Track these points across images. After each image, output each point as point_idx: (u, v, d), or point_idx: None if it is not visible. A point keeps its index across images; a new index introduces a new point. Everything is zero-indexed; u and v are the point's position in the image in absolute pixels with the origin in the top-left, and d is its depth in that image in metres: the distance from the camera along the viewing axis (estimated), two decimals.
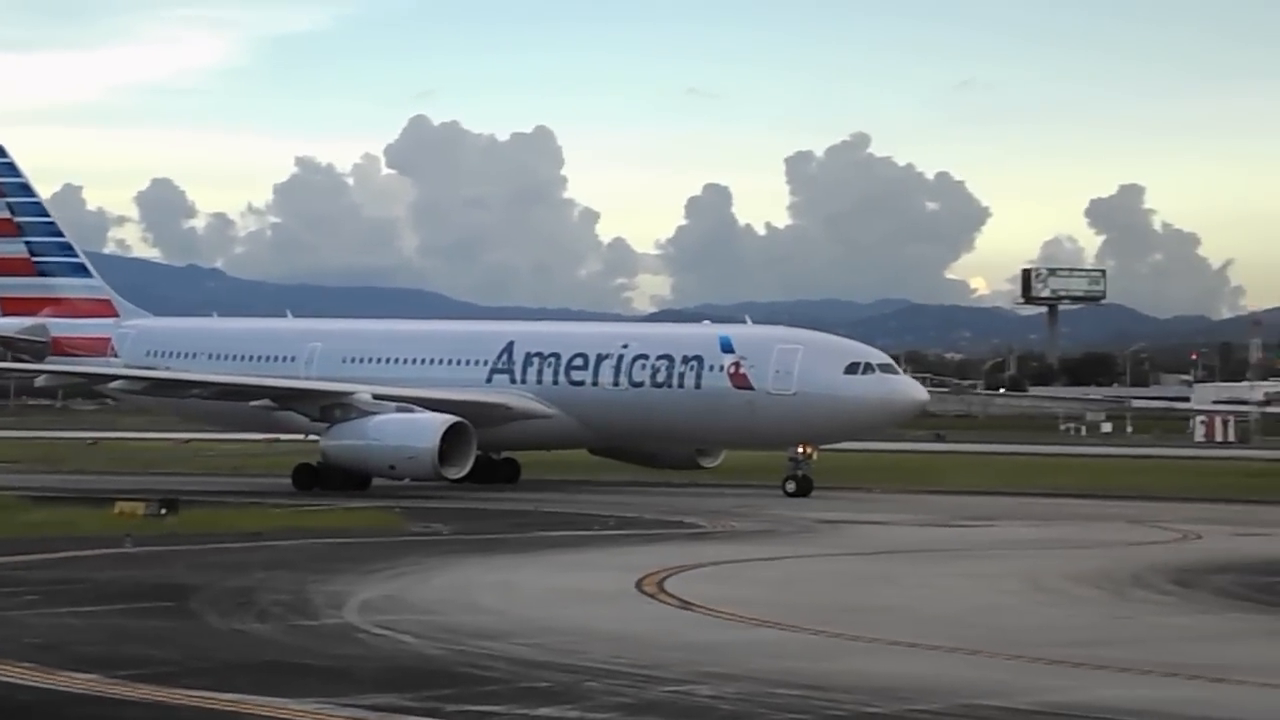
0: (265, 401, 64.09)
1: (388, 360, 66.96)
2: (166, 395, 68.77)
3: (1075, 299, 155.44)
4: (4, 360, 79.97)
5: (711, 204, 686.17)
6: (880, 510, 53.37)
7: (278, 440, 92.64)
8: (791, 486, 58.91)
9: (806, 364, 59.13)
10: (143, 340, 72.67)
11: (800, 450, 59.35)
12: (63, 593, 30.56)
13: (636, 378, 61.95)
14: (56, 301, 75.22)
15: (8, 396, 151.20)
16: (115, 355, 72.03)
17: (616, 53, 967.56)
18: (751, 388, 59.57)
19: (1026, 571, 35.97)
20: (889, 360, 61.59)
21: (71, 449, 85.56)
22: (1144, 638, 27.07)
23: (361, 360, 67.27)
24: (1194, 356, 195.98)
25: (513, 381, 63.96)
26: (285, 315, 77.93)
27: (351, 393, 61.60)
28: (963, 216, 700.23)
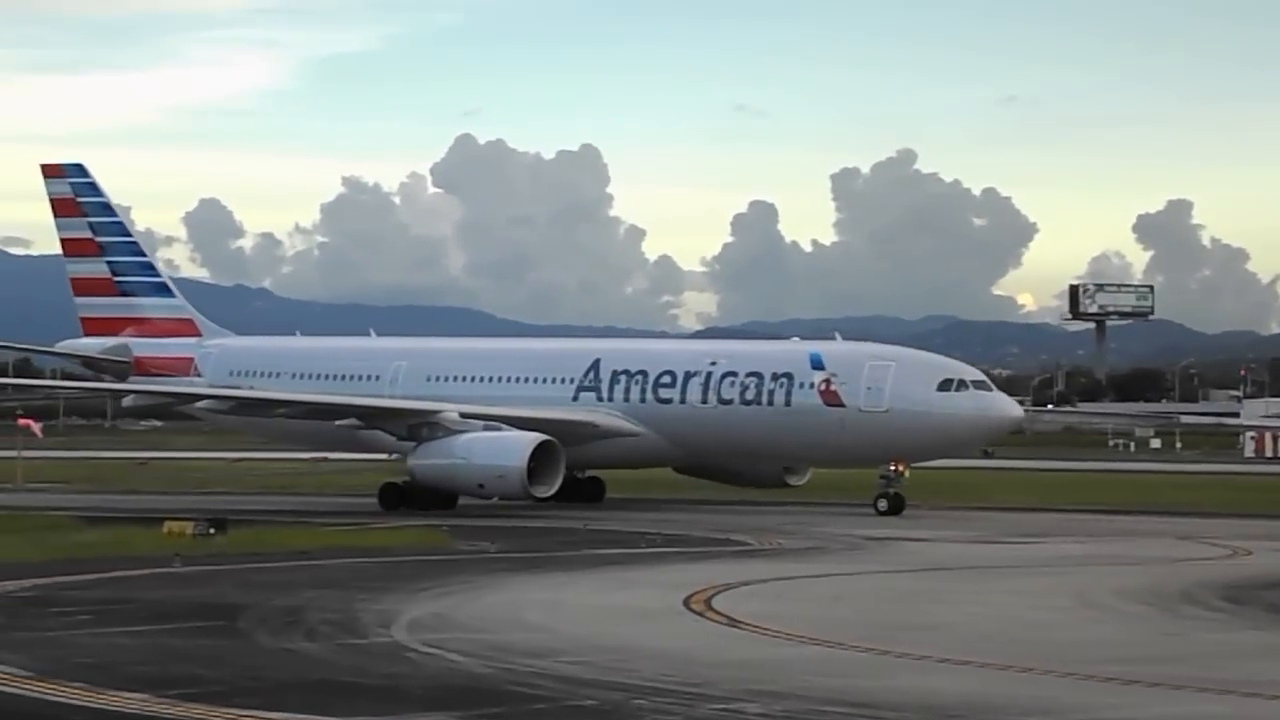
0: (351, 420, 63.83)
1: (473, 379, 66.64)
2: (252, 415, 68.70)
3: (1123, 315, 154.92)
4: (88, 380, 80.00)
5: (757, 221, 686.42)
6: (929, 527, 53.23)
7: (325, 459, 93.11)
8: (883, 505, 58.30)
9: (899, 380, 58.51)
10: (226, 360, 72.55)
11: (892, 468, 58.70)
12: (113, 612, 30.70)
13: (726, 395, 61.41)
14: (139, 321, 75.19)
15: (56, 416, 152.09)
16: (198, 375, 72.02)
17: (663, 71, 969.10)
18: (843, 405, 58.89)
19: (1076, 588, 35.84)
20: (983, 377, 60.78)
21: (121, 469, 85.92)
22: (1195, 654, 26.93)
23: (446, 379, 66.91)
24: (1243, 372, 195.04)
25: (599, 399, 63.57)
26: (369, 334, 77.76)
27: (438, 411, 61.43)
28: (1010, 232, 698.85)
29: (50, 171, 76.52)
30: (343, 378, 69.52)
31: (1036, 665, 24.97)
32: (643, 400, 62.87)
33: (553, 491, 58.77)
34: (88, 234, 75.43)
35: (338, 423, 64.26)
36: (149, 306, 75.39)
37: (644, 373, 63.21)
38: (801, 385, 59.96)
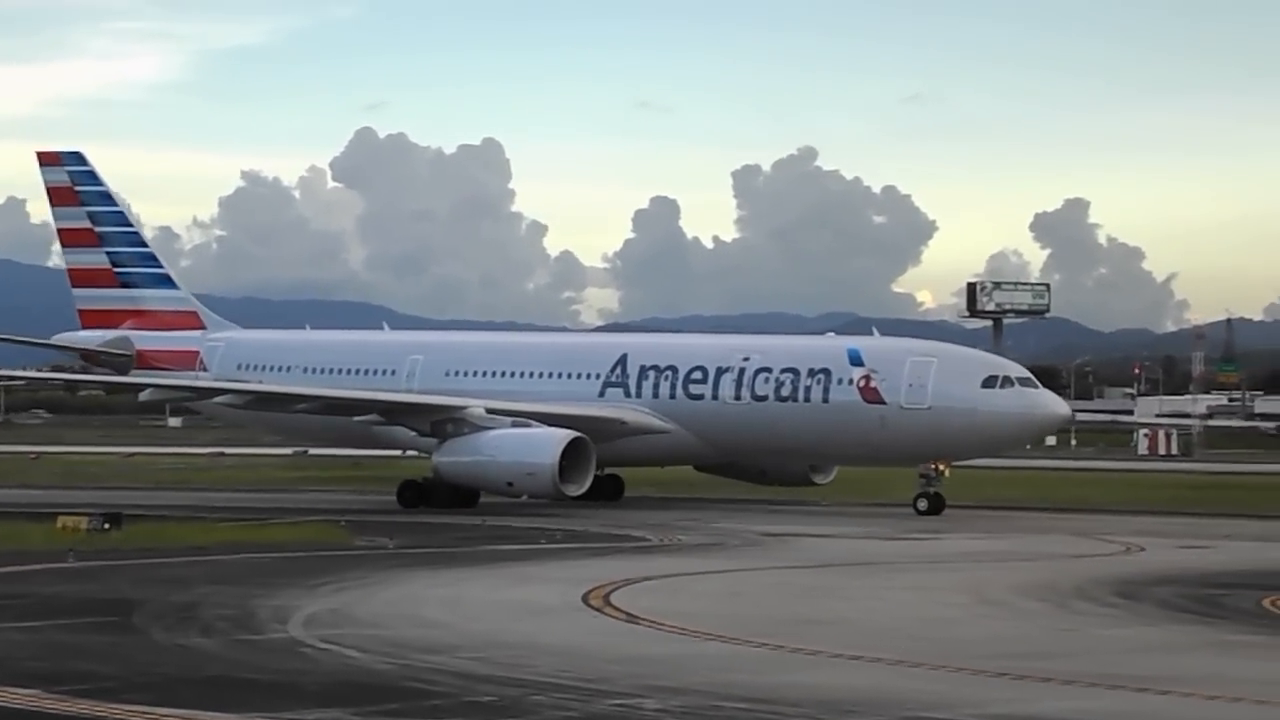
0: (372, 416, 62.08)
1: (494, 374, 64.85)
2: (270, 410, 65.70)
3: (1020, 312, 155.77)
4: (88, 373, 76.95)
5: (659, 217, 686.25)
6: (827, 523, 53.45)
7: (223, 454, 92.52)
8: (923, 505, 56.82)
9: (941, 377, 56.95)
10: (233, 353, 70.31)
11: (933, 467, 57.27)
12: (5, 608, 30.31)
13: (760, 391, 59.67)
14: (139, 313, 72.74)
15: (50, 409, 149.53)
16: (204, 369, 69.83)
17: (567, 66, 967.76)
18: (883, 402, 57.28)
19: (972, 584, 36.11)
20: (1028, 374, 58.97)
21: (14, 463, 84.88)
22: (1088, 650, 27.19)
23: (466, 374, 65.06)
24: (1137, 370, 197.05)
25: (627, 395, 61.86)
26: (382, 327, 76.17)
27: (464, 407, 59.71)
28: (909, 230, 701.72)
29: (47, 159, 74.31)
30: (357, 372, 67.28)
31: (932, 660, 25.14)
32: (672, 396, 61.23)
33: (583, 490, 57.37)
34: (86, 223, 73.14)
35: (357, 418, 62.20)
36: (151, 298, 72.98)
37: (673, 368, 61.56)
38: (840, 381, 58.27)
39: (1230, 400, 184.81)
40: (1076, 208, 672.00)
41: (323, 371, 67.87)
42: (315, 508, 57.36)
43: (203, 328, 72.56)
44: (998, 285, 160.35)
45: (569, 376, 63.68)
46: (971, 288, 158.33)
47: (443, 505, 58.17)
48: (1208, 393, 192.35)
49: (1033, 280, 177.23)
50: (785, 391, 59.25)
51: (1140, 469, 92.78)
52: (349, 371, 67.52)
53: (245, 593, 32.48)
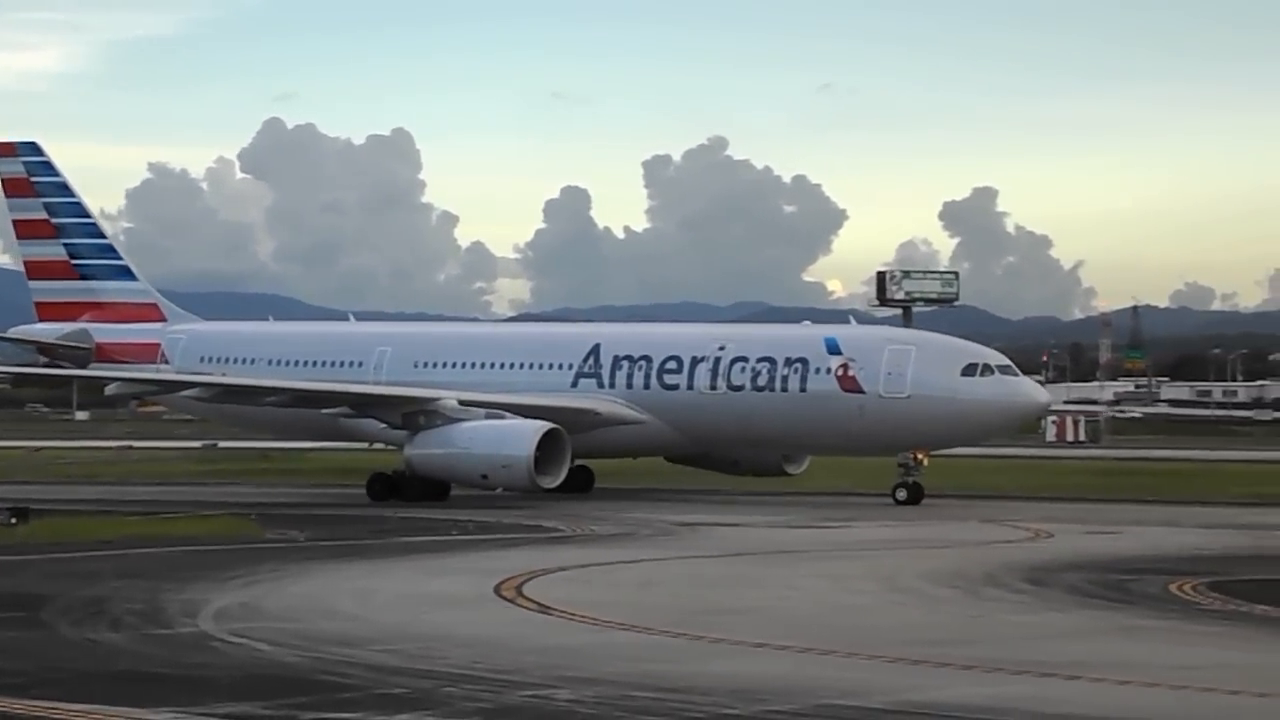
0: (341, 409, 61.17)
1: (464, 364, 64.01)
2: (239, 403, 64.40)
3: (929, 301, 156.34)
4: (42, 367, 75.17)
5: (570, 207, 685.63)
6: (739, 512, 53.54)
7: (131, 447, 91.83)
8: (902, 494, 56.50)
9: (920, 365, 56.50)
10: (195, 345, 69.10)
11: (912, 456, 56.96)
12: None
13: (736, 381, 59.07)
14: (98, 306, 71.54)
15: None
16: (166, 362, 68.59)
17: (480, 56, 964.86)
18: (861, 390, 56.79)
19: (883, 572, 36.30)
20: (1007, 361, 58.61)
21: None
22: (998, 636, 27.39)
23: (436, 365, 64.21)
24: (1045, 357, 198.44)
25: (600, 386, 61.15)
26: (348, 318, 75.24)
27: (436, 399, 58.98)
28: (820, 219, 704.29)
29: (1, 150, 73.02)
30: (323, 364, 66.32)
31: (844, 648, 25.26)
32: (646, 387, 60.55)
33: (558, 482, 56.83)
34: (43, 215, 71.98)
35: (325, 411, 61.30)
36: (110, 290, 71.78)
37: (647, 358, 60.91)
38: (817, 370, 57.75)
39: (1137, 387, 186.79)
40: (984, 196, 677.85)
41: (288, 364, 66.88)
42: (250, 501, 56.80)
43: (163, 320, 71.57)
44: (907, 274, 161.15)
45: (541, 367, 63.05)
46: (881, 276, 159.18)
47: (414, 498, 57.56)
48: (1115, 379, 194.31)
49: (942, 269, 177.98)
50: (762, 381, 58.75)
51: (1048, 455, 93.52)
52: (315, 363, 66.65)
53: (155, 587, 32.24)
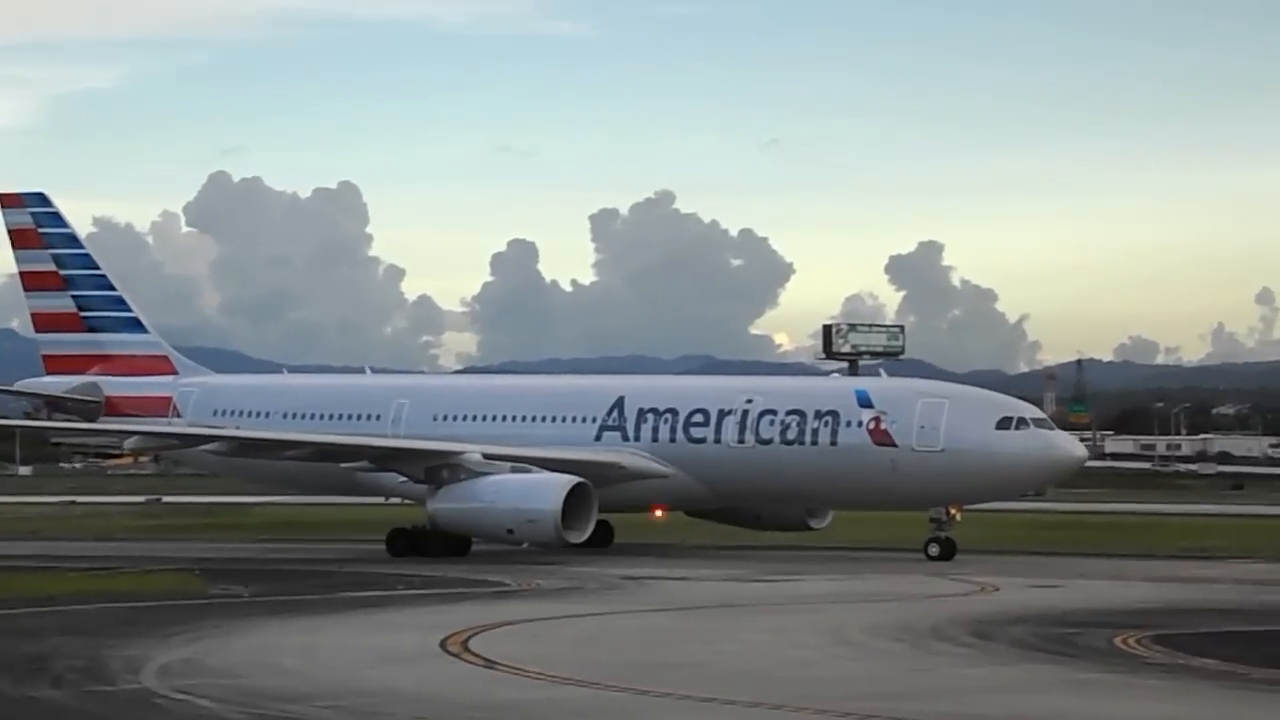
0: (361, 463, 60.36)
1: (484, 418, 63.04)
2: (257, 457, 62.92)
3: (875, 354, 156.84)
4: (51, 420, 73.23)
5: (517, 260, 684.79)
6: (685, 565, 53.47)
7: (74, 502, 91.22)
8: (935, 550, 55.60)
9: (954, 419, 55.69)
10: (208, 399, 68.14)
11: (945, 511, 56.14)
12: None
13: (764, 434, 58.17)
14: (107, 359, 70.77)
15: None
16: (178, 415, 67.55)
17: (427, 109, 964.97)
18: (894, 444, 55.92)
19: (829, 625, 36.30)
20: (1043, 415, 58.41)
21: None
22: (944, 689, 27.41)
23: (456, 418, 63.22)
24: None
25: (625, 439, 60.32)
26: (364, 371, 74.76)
27: (460, 452, 58.12)
28: (767, 273, 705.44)
29: (8, 201, 72.26)
30: (339, 417, 65.26)
31: (790, 702, 25.23)
32: (672, 440, 59.67)
33: (585, 537, 55.94)
34: (51, 266, 71.20)
35: (345, 465, 60.47)
36: (120, 343, 70.88)
37: (673, 410, 59.98)
38: (849, 424, 56.80)
39: (1081, 440, 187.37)
40: (930, 250, 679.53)
41: (304, 416, 65.89)
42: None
43: (175, 372, 70.66)
44: (853, 327, 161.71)
45: (564, 420, 62.09)
46: (828, 329, 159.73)
47: (435, 554, 56.79)
48: None
49: (888, 322, 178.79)
50: (791, 434, 57.86)
51: (993, 509, 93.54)
52: (331, 416, 65.58)
53: (97, 643, 32.00)
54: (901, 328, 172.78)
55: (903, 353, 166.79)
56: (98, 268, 72.29)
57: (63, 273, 71.41)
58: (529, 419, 62.75)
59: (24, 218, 71.85)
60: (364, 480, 61.44)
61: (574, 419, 61.82)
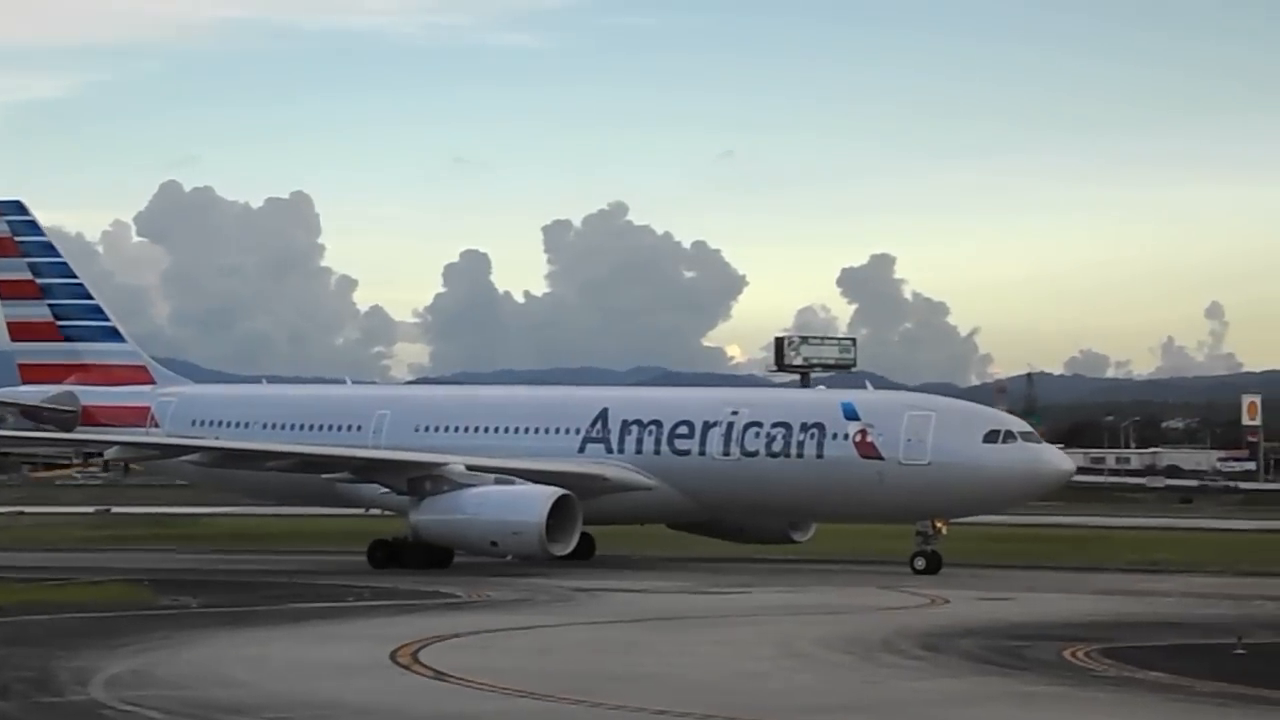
0: (343, 474, 59.75)
1: (466, 429, 62.53)
2: (238, 468, 62.10)
3: (827, 367, 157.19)
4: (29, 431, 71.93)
5: (469, 271, 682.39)
6: (638, 578, 53.44)
7: (23, 513, 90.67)
8: (920, 564, 55.37)
9: (941, 432, 55.53)
10: (187, 409, 67.45)
11: (931, 525, 55.89)
12: None
13: (750, 446, 57.83)
14: (84, 368, 70.02)
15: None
16: (155, 425, 66.80)
17: (380, 119, 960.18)
18: (880, 457, 55.76)
19: (779, 637, 36.35)
20: (1029, 428, 58.12)
21: None
22: (893, 701, 27.50)
23: (437, 429, 62.76)
24: None
25: (609, 451, 59.91)
26: (344, 381, 73.65)
27: (443, 464, 57.79)
28: (719, 284, 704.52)
29: None
30: (320, 428, 64.58)
31: (742, 714, 25.29)
32: (657, 452, 59.32)
33: (569, 549, 55.72)
34: (27, 275, 70.38)
35: (326, 476, 59.70)
36: (97, 352, 70.07)
37: (657, 423, 59.63)
38: (834, 436, 56.62)
39: None
40: (882, 264, 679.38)
41: (284, 427, 65.24)
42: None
43: (152, 382, 70.02)
44: (805, 339, 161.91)
45: (546, 431, 61.69)
46: (779, 342, 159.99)
47: (416, 565, 56.38)
48: None
49: (840, 334, 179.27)
50: (777, 447, 57.57)
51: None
52: (312, 427, 64.94)
53: (45, 654, 31.85)
54: (853, 340, 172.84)
55: (854, 365, 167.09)
56: (75, 276, 71.69)
57: (39, 281, 70.86)
58: (511, 430, 62.39)
59: (0, 225, 71.25)
60: (344, 491, 61.08)
61: (557, 430, 61.51)
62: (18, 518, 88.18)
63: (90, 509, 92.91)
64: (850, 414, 56.98)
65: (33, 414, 70.47)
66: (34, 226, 71.51)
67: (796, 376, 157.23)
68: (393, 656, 32.02)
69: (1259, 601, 46.91)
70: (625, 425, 60.33)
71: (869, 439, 56.26)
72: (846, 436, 56.62)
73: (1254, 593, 49.72)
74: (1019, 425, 57.52)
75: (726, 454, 58.43)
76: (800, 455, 57.28)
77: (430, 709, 25.91)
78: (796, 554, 62.17)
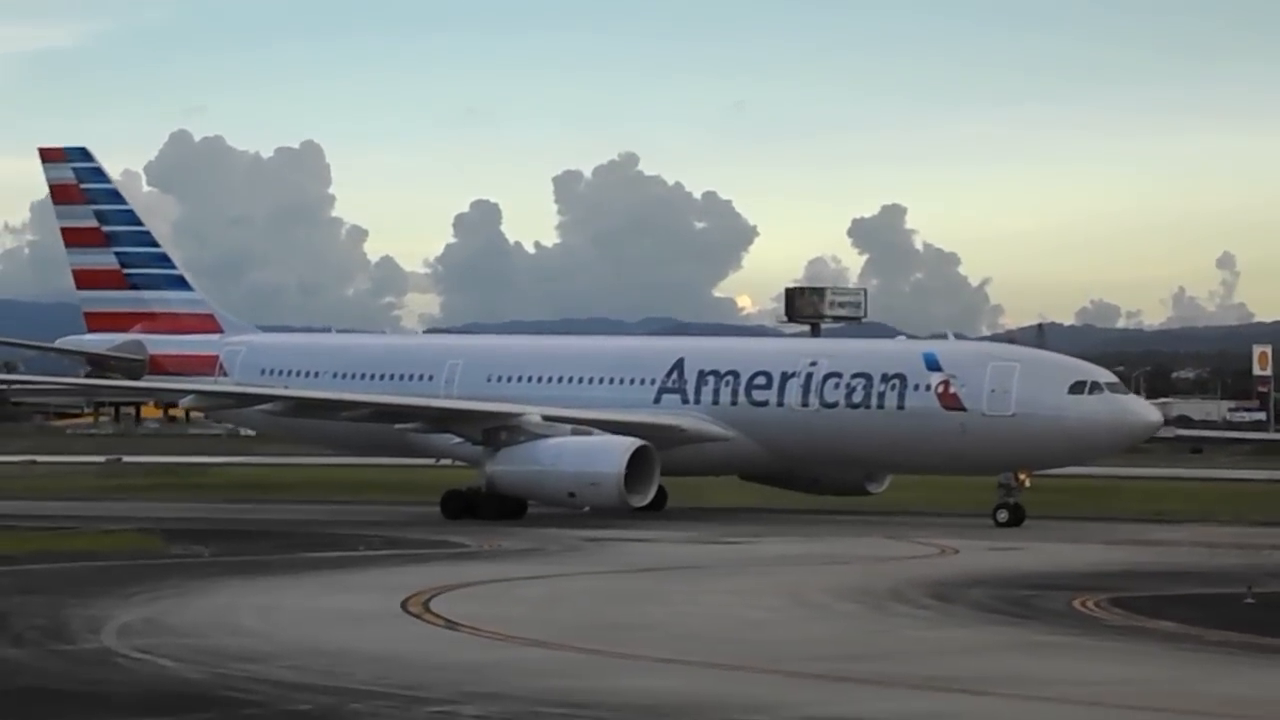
0: (416, 424, 59.28)
1: (541, 379, 61.96)
2: (311, 417, 61.83)
3: (838, 318, 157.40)
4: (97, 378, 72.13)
5: (480, 222, 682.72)
6: (646, 527, 53.49)
7: (34, 462, 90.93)
8: (1003, 516, 54.59)
9: (1026, 382, 54.79)
10: (255, 358, 67.00)
11: (1014, 477, 55.16)
12: None
13: (829, 398, 57.19)
14: (151, 316, 69.43)
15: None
16: (224, 374, 66.51)
17: (391, 69, 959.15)
18: (963, 408, 55.10)
19: (789, 587, 36.43)
20: (1115, 378, 57.06)
21: None
22: (902, 651, 27.55)
23: (510, 379, 62.19)
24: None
25: (685, 401, 59.35)
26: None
27: (520, 414, 57.33)
28: (730, 235, 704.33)
29: (50, 155, 70.91)
30: (390, 377, 64.04)
31: (750, 663, 25.36)
32: (734, 403, 58.67)
33: (647, 500, 55.28)
34: (93, 222, 69.93)
35: (399, 426, 59.34)
36: (164, 300, 69.42)
37: (735, 373, 59.00)
38: (916, 387, 55.96)
39: None
40: (893, 214, 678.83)
41: (354, 376, 64.73)
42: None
43: (220, 331, 69.51)
44: (816, 290, 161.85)
45: (622, 382, 61.05)
46: (790, 293, 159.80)
47: (490, 516, 55.71)
48: None
49: (851, 285, 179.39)
50: (857, 398, 56.97)
51: None
52: (382, 377, 64.49)
53: (57, 602, 31.97)
54: (864, 291, 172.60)
55: (865, 316, 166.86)
56: (141, 224, 71.08)
57: (105, 229, 70.28)
58: (585, 380, 61.75)
59: (65, 173, 70.70)
60: (416, 441, 60.68)
61: (632, 381, 60.94)
62: (29, 467, 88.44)
63: (102, 458, 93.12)
64: (932, 365, 56.42)
65: (99, 362, 70.28)
66: (100, 174, 70.95)
67: (807, 328, 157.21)
68: (404, 606, 32.11)
69: (1269, 551, 46.95)
70: (701, 375, 59.82)
71: (952, 390, 55.66)
72: (928, 388, 56.03)
73: (1264, 542, 49.76)
74: (1105, 376, 56.68)
75: (805, 405, 57.83)
76: (881, 406, 56.71)
77: (441, 658, 25.99)
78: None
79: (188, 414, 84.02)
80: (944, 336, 62.66)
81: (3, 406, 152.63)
